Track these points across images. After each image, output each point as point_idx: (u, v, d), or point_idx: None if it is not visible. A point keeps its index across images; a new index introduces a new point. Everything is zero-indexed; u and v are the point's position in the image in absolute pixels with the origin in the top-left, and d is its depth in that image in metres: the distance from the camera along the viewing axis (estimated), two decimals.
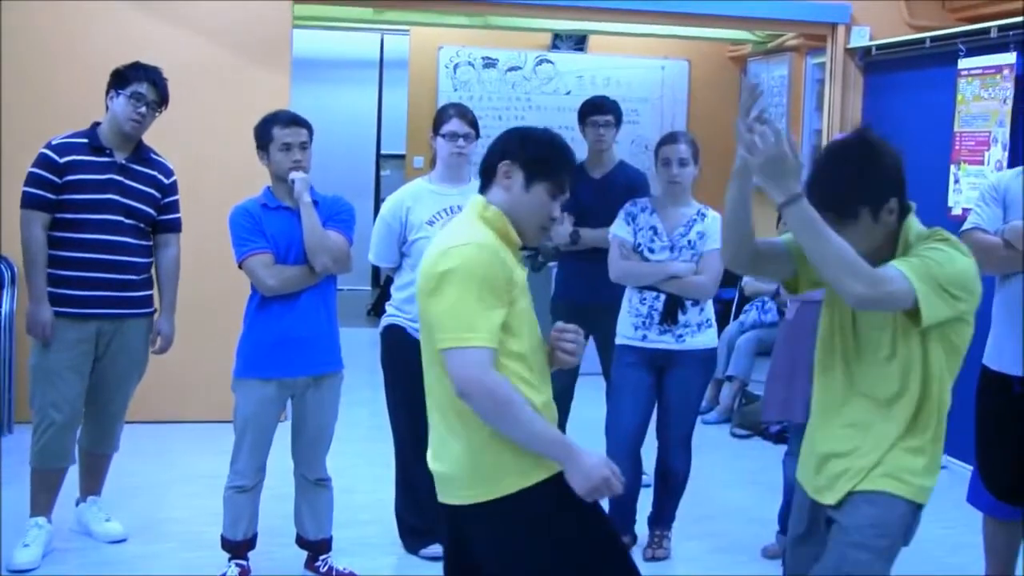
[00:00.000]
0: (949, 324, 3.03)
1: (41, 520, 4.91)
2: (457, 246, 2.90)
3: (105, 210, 4.81)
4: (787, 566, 3.43)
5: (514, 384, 2.87)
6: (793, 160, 2.89)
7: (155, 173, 4.98)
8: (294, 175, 4.47)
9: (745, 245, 3.15)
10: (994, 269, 4.23)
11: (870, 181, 3.02)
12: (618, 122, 6.31)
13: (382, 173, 10.32)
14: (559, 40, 10.39)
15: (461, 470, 2.97)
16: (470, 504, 2.95)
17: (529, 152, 3.03)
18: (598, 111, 6.26)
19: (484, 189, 3.10)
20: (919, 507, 3.16)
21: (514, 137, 3.10)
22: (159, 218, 5.00)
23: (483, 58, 10.31)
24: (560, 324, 3.15)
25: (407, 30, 10.00)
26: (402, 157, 10.05)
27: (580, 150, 6.60)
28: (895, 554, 3.15)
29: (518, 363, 2.94)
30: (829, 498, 3.16)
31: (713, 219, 5.07)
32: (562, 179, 3.03)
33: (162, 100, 4.93)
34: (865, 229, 3.01)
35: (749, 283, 8.06)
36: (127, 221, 4.87)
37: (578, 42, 10.46)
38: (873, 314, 3.06)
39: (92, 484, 5.20)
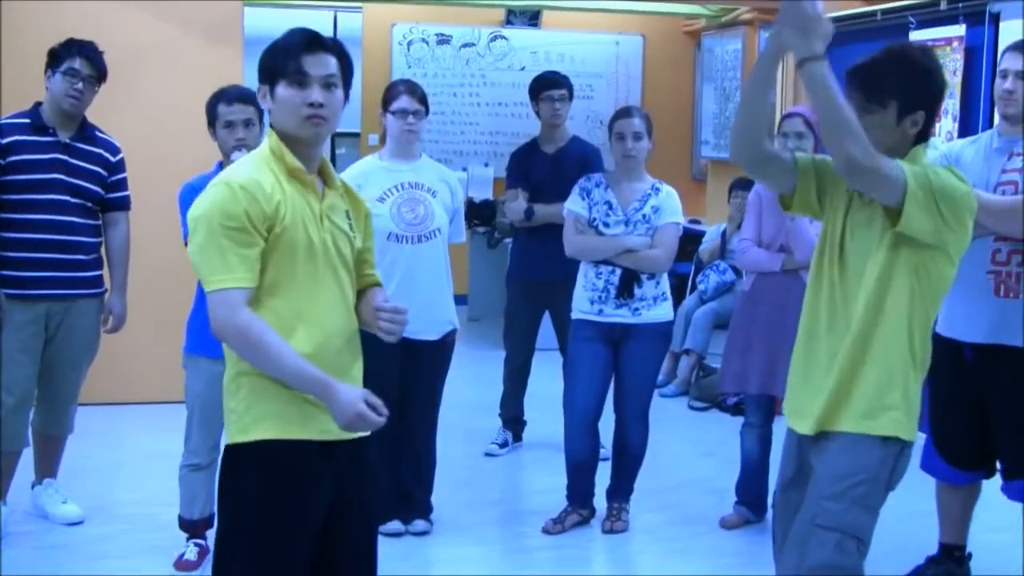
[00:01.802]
0: (928, 251, 3.07)
1: None
2: (211, 186, 2.83)
3: (50, 190, 4.77)
4: (776, 511, 3.44)
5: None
6: (825, 23, 2.94)
7: (101, 151, 4.93)
8: (235, 155, 4.43)
9: (760, 140, 3.17)
10: None
11: (913, 80, 3.11)
12: (571, 96, 6.31)
13: (337, 151, 10.27)
14: (513, 16, 10.38)
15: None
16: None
17: (262, 64, 2.91)
18: (551, 86, 6.26)
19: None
20: (902, 444, 3.16)
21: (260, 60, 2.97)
22: (106, 196, 4.96)
23: (437, 35, 10.28)
24: (380, 303, 2.99)
25: (360, 7, 9.95)
26: (357, 135, 10.00)
27: (533, 127, 6.63)
28: (877, 499, 3.16)
29: (285, 298, 2.83)
30: (804, 427, 3.22)
31: (668, 194, 5.09)
32: (291, 66, 2.84)
33: (99, 74, 4.88)
34: (885, 125, 3.09)
35: (704, 249, 8.11)
36: (73, 200, 4.82)
37: (532, 18, 10.44)
38: (861, 238, 3.11)
39: (47, 467, 5.15)
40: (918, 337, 3.15)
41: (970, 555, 4.56)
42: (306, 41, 2.88)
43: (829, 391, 3.16)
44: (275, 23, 9.34)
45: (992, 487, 4.49)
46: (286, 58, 2.86)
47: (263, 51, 2.94)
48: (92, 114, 5.01)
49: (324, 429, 2.84)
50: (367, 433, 2.90)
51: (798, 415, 3.28)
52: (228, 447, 2.88)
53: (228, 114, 4.46)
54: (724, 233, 7.97)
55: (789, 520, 3.28)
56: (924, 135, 3.17)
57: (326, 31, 10.17)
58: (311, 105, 2.84)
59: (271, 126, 2.94)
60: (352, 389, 2.81)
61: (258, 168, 2.84)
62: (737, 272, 7.65)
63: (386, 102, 4.94)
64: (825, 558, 3.09)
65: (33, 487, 5.16)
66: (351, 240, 2.97)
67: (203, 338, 4.45)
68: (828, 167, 3.20)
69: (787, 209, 3.34)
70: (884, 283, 3.09)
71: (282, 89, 2.85)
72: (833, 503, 3.10)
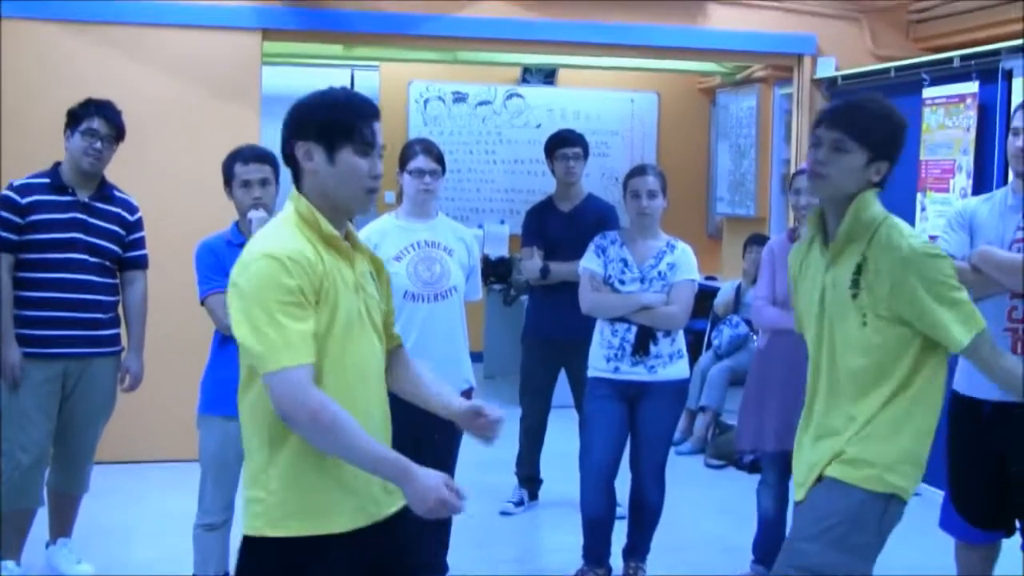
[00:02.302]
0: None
1: (10, 563, 4.86)
2: (253, 259, 2.64)
3: (69, 249, 4.80)
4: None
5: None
6: None
7: (119, 210, 4.97)
8: (252, 214, 4.45)
9: None
10: None
11: (889, 132, 3.24)
12: (586, 154, 6.34)
13: None
14: (528, 74, 10.44)
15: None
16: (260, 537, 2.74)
17: (317, 121, 2.73)
18: (565, 144, 6.29)
19: (296, 180, 2.80)
20: (893, 499, 3.17)
21: (297, 112, 2.78)
22: (125, 255, 4.99)
23: (453, 93, 10.35)
24: (486, 411, 2.97)
25: (377, 65, 10.03)
26: None
27: (549, 184, 6.66)
28: (860, 543, 3.14)
29: (333, 375, 2.69)
30: (800, 493, 3.27)
31: (683, 250, 5.09)
32: (363, 133, 2.72)
33: (118, 133, 4.92)
34: (852, 167, 3.19)
35: (718, 304, 8.11)
36: (92, 259, 4.85)
37: (547, 76, 10.51)
38: (837, 302, 3.25)
39: (62, 526, 5.15)
40: (926, 390, 3.24)
41: None
42: (374, 108, 2.77)
43: (817, 452, 3.26)
44: (293, 82, 9.46)
45: (1011, 546, 4.45)
46: (357, 122, 2.72)
47: (307, 106, 2.77)
48: (111, 173, 5.05)
49: (354, 518, 2.72)
50: (399, 505, 2.80)
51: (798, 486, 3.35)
52: (252, 538, 2.72)
53: (245, 173, 4.48)
54: (739, 288, 7.96)
55: None
56: (880, 185, 3.27)
57: None
58: (375, 177, 2.76)
59: (298, 190, 2.79)
60: (431, 473, 2.67)
61: (295, 237, 2.68)
62: (751, 326, 7.64)
63: (403, 161, 4.96)
64: None
65: (47, 546, 5.16)
66: (379, 305, 2.88)
67: (217, 397, 4.46)
68: None
69: None
70: (883, 341, 3.19)
71: (348, 155, 2.71)
72: (807, 544, 3.11)
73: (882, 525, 3.19)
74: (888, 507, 3.18)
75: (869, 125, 3.22)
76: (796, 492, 3.33)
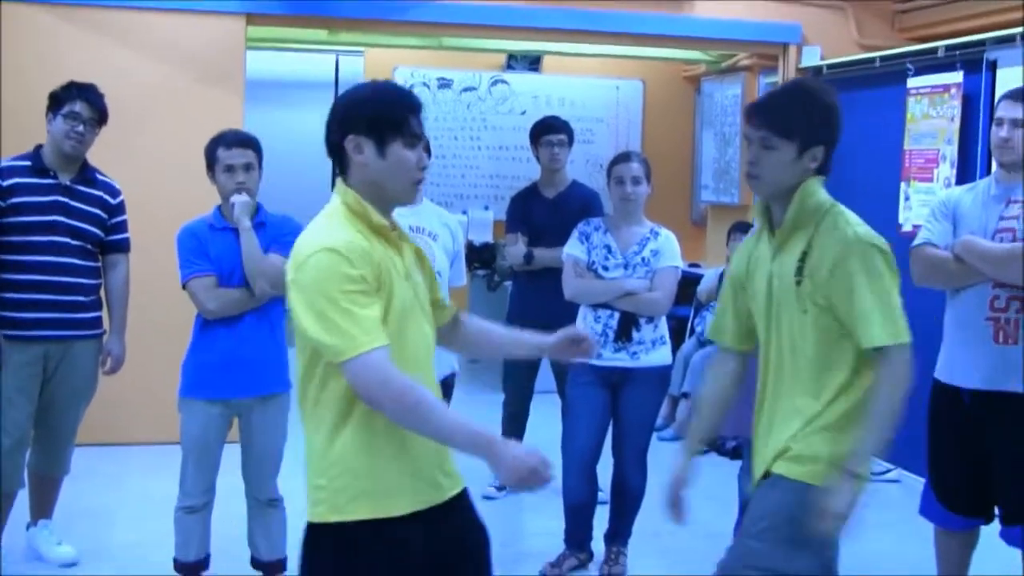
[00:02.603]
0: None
1: None
2: (311, 254, 2.64)
3: (50, 231, 4.79)
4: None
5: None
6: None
7: (101, 193, 4.96)
8: (235, 198, 4.44)
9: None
10: (945, 283, 4.29)
11: (815, 116, 3.15)
12: (570, 141, 6.34)
13: None
14: (514, 60, 10.43)
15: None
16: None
17: (369, 115, 2.76)
18: (550, 131, 6.30)
19: (343, 172, 2.82)
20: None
21: (347, 105, 2.81)
22: (106, 238, 4.98)
23: (438, 79, 10.33)
24: (575, 333, 3.14)
25: (361, 51, 10.00)
26: None
27: (534, 171, 6.66)
28: (812, 541, 3.07)
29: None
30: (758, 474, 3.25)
31: (666, 237, 5.10)
32: (412, 126, 2.77)
33: (100, 117, 4.91)
34: (785, 161, 3.13)
35: (702, 290, 8.13)
36: (73, 242, 4.84)
37: (533, 62, 10.49)
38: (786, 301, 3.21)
39: (43, 508, 5.14)
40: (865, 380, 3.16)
41: None
42: (418, 101, 2.82)
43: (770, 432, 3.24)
44: (277, 67, 9.41)
45: (990, 533, 4.47)
46: (406, 116, 2.77)
47: (357, 100, 2.80)
48: (93, 156, 5.03)
49: (414, 501, 2.74)
50: (459, 489, 2.85)
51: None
52: (316, 524, 2.73)
53: (228, 158, 4.47)
54: (722, 275, 7.97)
55: None
56: (822, 170, 3.19)
57: (328, 75, 10.16)
58: (422, 169, 2.82)
59: (344, 183, 2.79)
60: (519, 445, 2.66)
61: (346, 229, 2.70)
62: None
63: None
64: None
65: (28, 528, 5.15)
66: (426, 292, 2.91)
67: (198, 381, 4.47)
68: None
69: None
70: (801, 332, 3.17)
71: (399, 149, 2.74)
72: (756, 542, 3.09)
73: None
74: None
75: (792, 116, 3.14)
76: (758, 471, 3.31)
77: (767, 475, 3.20)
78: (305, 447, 2.79)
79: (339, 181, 2.82)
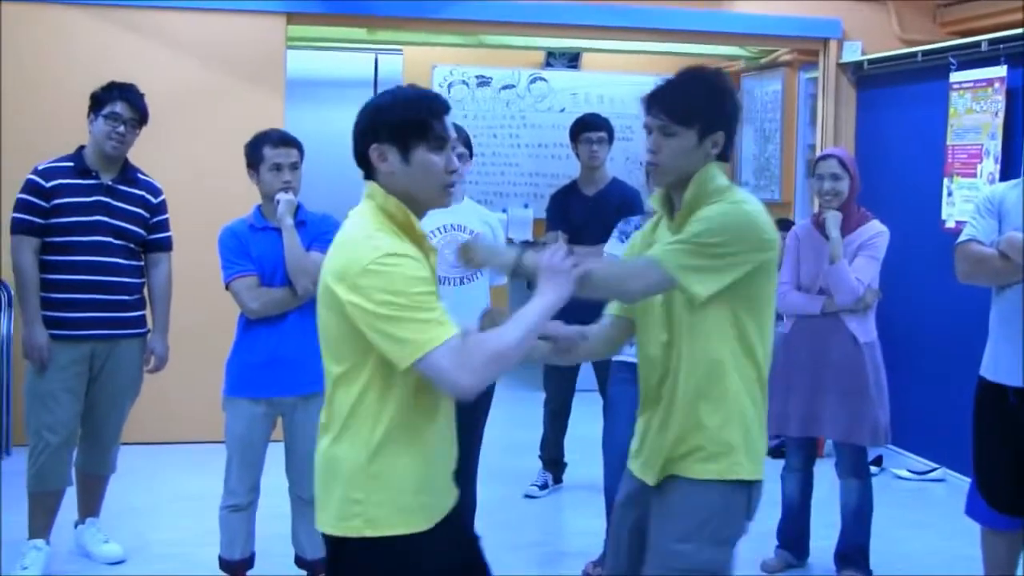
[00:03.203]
0: (739, 282, 2.99)
1: (39, 542, 4.90)
2: (376, 261, 2.60)
3: (94, 232, 4.83)
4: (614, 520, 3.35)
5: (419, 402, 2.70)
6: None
7: (143, 193, 4.99)
8: (280, 196, 4.46)
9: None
10: (990, 280, 4.24)
11: (714, 101, 3.10)
12: (610, 139, 6.33)
13: None
14: (552, 58, 10.41)
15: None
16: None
17: (390, 122, 2.72)
18: (590, 128, 6.28)
19: (369, 177, 2.80)
20: (748, 483, 3.06)
21: (368, 114, 2.78)
22: (149, 237, 5.01)
23: (477, 77, 10.33)
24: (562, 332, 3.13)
25: (400, 50, 10.00)
26: None
27: (573, 168, 6.65)
28: (730, 534, 3.07)
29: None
30: (650, 478, 3.13)
31: None
32: (436, 129, 2.73)
33: (141, 117, 4.94)
34: (686, 147, 3.05)
35: None
36: (116, 242, 4.88)
37: (571, 60, 10.48)
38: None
39: (90, 506, 5.19)
40: (747, 369, 3.06)
41: None
42: (444, 103, 2.78)
43: (669, 439, 3.10)
44: (317, 66, 9.43)
45: None
46: (429, 119, 2.73)
47: (378, 107, 2.76)
48: (135, 156, 5.07)
49: (437, 512, 2.78)
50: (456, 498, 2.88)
51: (639, 470, 3.23)
52: (352, 539, 2.72)
53: (275, 157, 4.49)
54: None
55: (622, 530, 3.27)
56: (723, 156, 3.13)
57: (367, 74, 10.14)
58: (451, 172, 2.77)
59: (379, 187, 2.75)
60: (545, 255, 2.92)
61: (391, 235, 2.69)
62: (777, 315, 7.61)
63: None
64: None
65: (76, 526, 5.20)
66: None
67: (242, 380, 4.49)
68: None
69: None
70: (700, 323, 3.04)
71: (424, 153, 2.71)
72: (682, 544, 3.02)
73: (749, 508, 3.10)
74: (751, 492, 3.09)
75: (690, 103, 3.06)
76: (646, 478, 3.18)
77: (673, 476, 3.10)
78: (329, 458, 2.79)
79: (373, 185, 2.78)
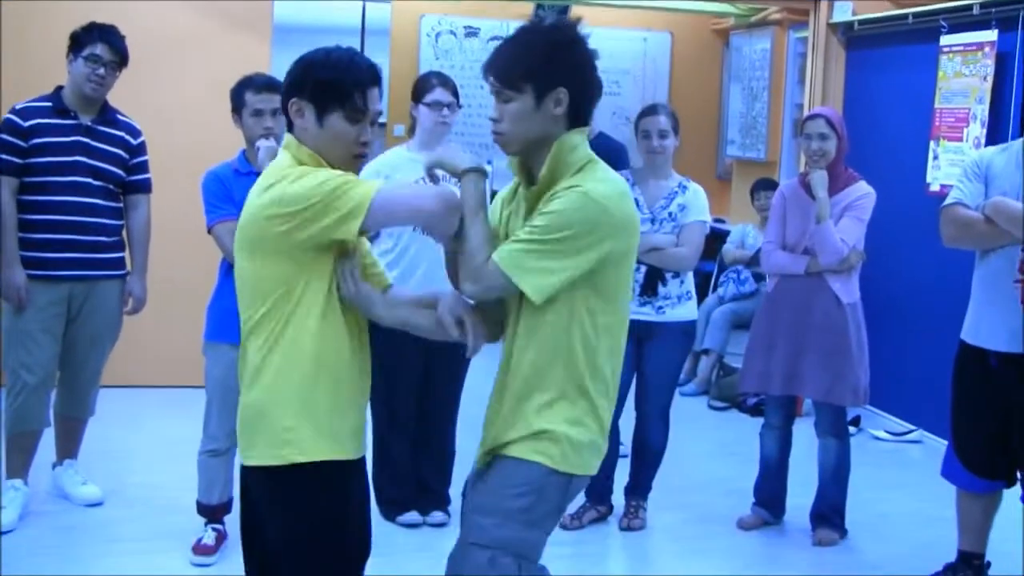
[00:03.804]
0: (585, 275, 2.82)
1: (17, 483, 4.89)
2: (294, 169, 2.74)
3: (72, 172, 4.79)
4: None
5: (340, 334, 2.79)
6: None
7: (122, 134, 4.96)
8: (260, 143, 4.43)
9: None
10: (975, 244, 4.26)
11: (541, 57, 2.83)
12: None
13: None
14: (541, 10, 10.31)
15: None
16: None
17: (312, 82, 2.76)
18: None
19: (291, 129, 2.84)
20: (567, 476, 2.91)
21: (297, 68, 2.81)
22: (128, 179, 4.98)
23: (465, 27, 10.28)
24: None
25: None
26: (383, 126, 9.99)
27: None
28: (541, 517, 2.92)
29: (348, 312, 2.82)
30: (481, 462, 3.00)
31: (694, 192, 5.07)
32: (355, 100, 2.75)
33: (121, 59, 4.89)
34: (524, 111, 2.82)
35: (728, 251, 8.10)
36: (95, 182, 4.85)
37: (561, 12, 10.40)
38: None
39: (68, 448, 5.18)
40: (586, 359, 2.87)
41: (989, 564, 4.53)
42: (373, 74, 2.79)
43: (495, 421, 2.96)
44: (305, 13, 9.35)
45: (1012, 496, 4.47)
46: (351, 89, 2.75)
47: (307, 64, 2.80)
48: (120, 99, 5.03)
49: (359, 447, 2.87)
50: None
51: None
52: (276, 470, 2.76)
53: (257, 102, 4.46)
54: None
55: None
56: (577, 116, 2.87)
57: (355, 22, 10.09)
58: (363, 144, 2.80)
59: (297, 139, 2.81)
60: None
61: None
62: (757, 281, 7.65)
63: (419, 93, 4.94)
64: None
65: (54, 467, 5.19)
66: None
67: (224, 325, 4.47)
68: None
69: None
70: (538, 309, 2.83)
71: (337, 120, 2.76)
72: (485, 518, 2.90)
73: (565, 498, 2.97)
74: (570, 483, 2.95)
75: (519, 63, 2.83)
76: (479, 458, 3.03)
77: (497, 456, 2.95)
78: (252, 402, 2.81)
79: (289, 136, 2.84)
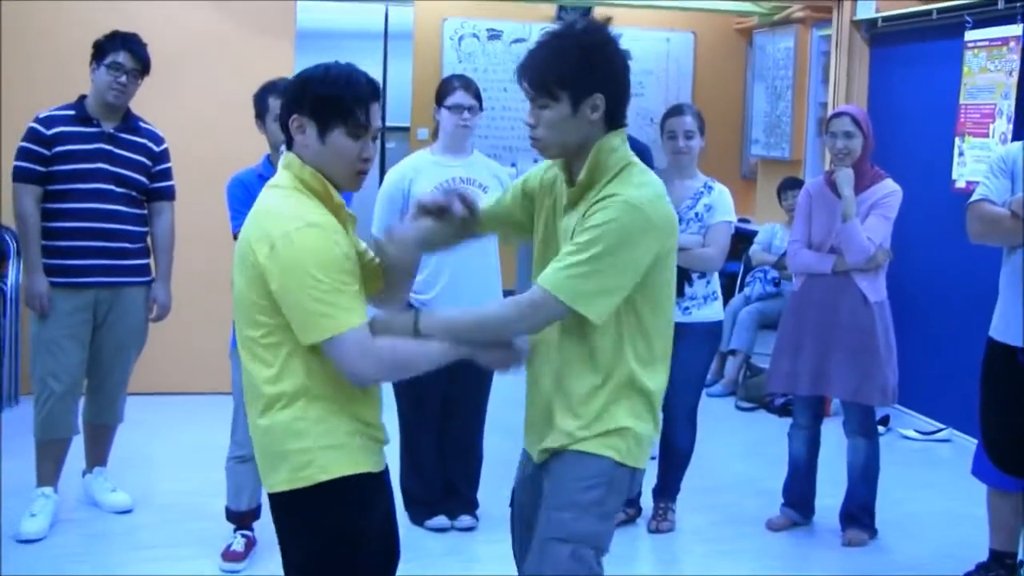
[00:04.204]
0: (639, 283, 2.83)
1: (47, 490, 4.92)
2: (296, 229, 2.64)
3: (95, 179, 4.82)
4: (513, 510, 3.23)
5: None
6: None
7: (145, 141, 4.98)
8: (284, 147, 4.44)
9: None
10: (1002, 240, 4.22)
11: (574, 64, 2.81)
12: None
13: (386, 145, 10.29)
14: (564, 12, 10.31)
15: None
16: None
17: (312, 98, 2.72)
18: None
19: (290, 145, 2.82)
20: (631, 469, 2.94)
21: (296, 84, 2.79)
22: (151, 186, 5.00)
23: (488, 30, 10.27)
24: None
25: (411, 2, 9.96)
26: (406, 129, 10.00)
27: None
28: (612, 508, 2.95)
29: None
30: (538, 458, 3.02)
31: (720, 192, 5.06)
32: (358, 118, 2.72)
33: (143, 67, 4.92)
34: (563, 118, 2.82)
35: (755, 252, 8.08)
36: (118, 190, 4.87)
37: (583, 14, 10.36)
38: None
39: (97, 455, 5.20)
40: (637, 357, 2.90)
41: (1021, 563, 4.50)
42: (373, 89, 2.75)
43: (547, 421, 2.98)
44: (328, 17, 9.37)
45: None
46: (352, 104, 2.71)
47: (307, 79, 2.76)
48: (143, 105, 5.06)
49: (378, 461, 2.85)
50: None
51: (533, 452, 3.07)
52: (302, 492, 2.73)
53: (279, 107, 4.46)
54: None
55: (522, 516, 3.14)
56: (613, 118, 2.87)
57: (378, 26, 10.09)
58: (365, 160, 2.77)
59: (297, 156, 2.78)
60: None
61: (310, 206, 2.72)
62: (779, 281, 7.64)
63: (441, 97, 4.94)
64: (561, 570, 2.88)
65: (84, 475, 5.22)
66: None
67: None
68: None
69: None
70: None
71: (339, 136, 2.72)
72: (562, 512, 2.91)
73: (632, 486, 3.00)
74: (633, 477, 2.97)
75: (553, 70, 2.81)
76: (535, 455, 3.05)
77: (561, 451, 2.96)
78: (266, 428, 2.76)
79: (291, 156, 2.80)
